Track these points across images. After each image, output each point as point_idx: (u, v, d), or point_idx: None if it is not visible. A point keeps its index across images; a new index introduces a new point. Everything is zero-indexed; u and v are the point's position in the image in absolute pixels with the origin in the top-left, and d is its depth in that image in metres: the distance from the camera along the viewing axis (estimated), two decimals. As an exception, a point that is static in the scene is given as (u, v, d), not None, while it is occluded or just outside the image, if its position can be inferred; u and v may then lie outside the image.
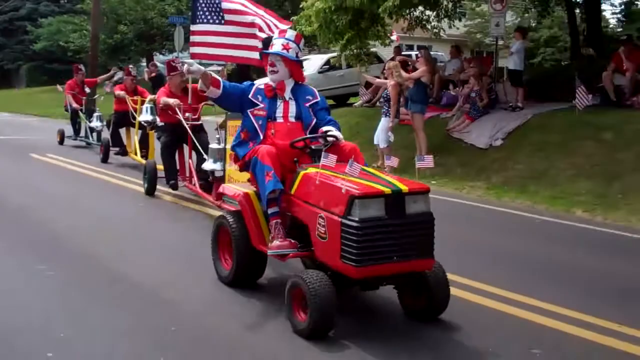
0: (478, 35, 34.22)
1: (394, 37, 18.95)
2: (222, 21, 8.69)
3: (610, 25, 22.02)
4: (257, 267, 5.56)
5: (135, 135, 12.53)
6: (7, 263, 6.31)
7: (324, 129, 5.41)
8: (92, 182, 11.17)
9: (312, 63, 21.07)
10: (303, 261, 5.77)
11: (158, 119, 10.01)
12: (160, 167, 9.79)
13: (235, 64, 23.02)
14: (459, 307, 5.19)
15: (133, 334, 4.71)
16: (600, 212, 9.24)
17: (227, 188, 5.90)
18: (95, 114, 15.10)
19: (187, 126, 9.03)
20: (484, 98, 13.51)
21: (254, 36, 8.34)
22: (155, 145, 10.99)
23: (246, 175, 5.90)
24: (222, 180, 7.71)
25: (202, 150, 8.87)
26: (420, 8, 15.39)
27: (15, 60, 48.62)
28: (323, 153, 4.88)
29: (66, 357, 4.30)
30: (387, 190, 4.57)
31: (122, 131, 13.58)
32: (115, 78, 16.87)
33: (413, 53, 23.80)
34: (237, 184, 6.16)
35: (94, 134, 15.08)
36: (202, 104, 9.27)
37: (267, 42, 6.84)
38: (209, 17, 8.78)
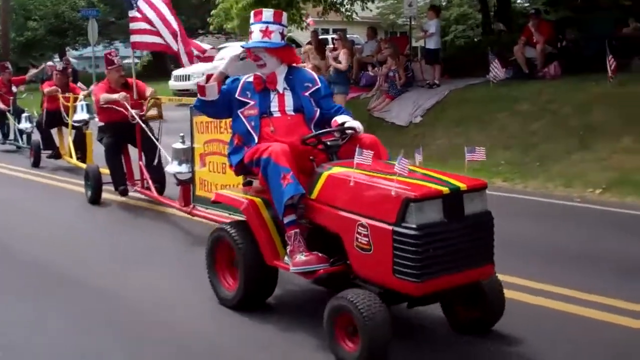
0: (391, 17, 34.55)
1: (309, 21, 18.98)
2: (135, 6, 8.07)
3: (519, 1, 22.64)
4: (268, 285, 4.80)
5: (69, 136, 11.41)
6: None
7: (339, 120, 4.69)
8: (32, 186, 10.42)
9: (231, 51, 20.82)
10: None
11: (96, 118, 9.10)
12: (105, 171, 8.80)
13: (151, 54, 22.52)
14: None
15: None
16: (520, 181, 9.59)
17: (223, 195, 5.09)
18: (24, 115, 13.79)
19: (141, 122, 8.16)
20: (401, 77, 13.73)
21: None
22: (94, 147, 10.21)
23: (222, 177, 5.42)
24: (188, 183, 7.03)
25: (156, 151, 8.19)
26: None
27: None
28: (357, 149, 4.10)
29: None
30: (445, 189, 3.87)
31: (54, 132, 12.19)
32: (30, 74, 16.26)
33: (329, 37, 23.90)
34: (232, 190, 5.35)
35: (24, 136, 13.75)
36: (151, 98, 8.44)
37: None
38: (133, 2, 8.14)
